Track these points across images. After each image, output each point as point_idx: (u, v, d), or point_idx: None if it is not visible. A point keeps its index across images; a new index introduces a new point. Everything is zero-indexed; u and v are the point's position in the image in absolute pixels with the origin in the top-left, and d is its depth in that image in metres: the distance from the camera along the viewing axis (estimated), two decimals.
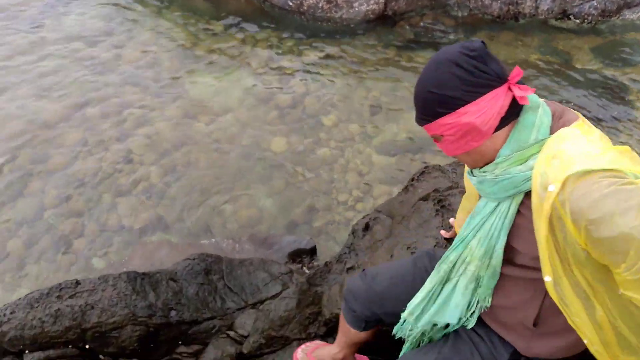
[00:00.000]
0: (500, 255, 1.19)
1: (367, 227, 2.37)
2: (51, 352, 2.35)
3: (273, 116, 4.92)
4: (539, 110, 1.10)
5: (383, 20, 6.26)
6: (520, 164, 1.07)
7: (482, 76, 1.04)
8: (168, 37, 5.88)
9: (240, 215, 4.07)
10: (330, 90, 5.25)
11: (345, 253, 2.38)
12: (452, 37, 5.99)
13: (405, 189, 2.35)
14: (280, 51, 5.77)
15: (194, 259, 2.75)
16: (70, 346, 2.37)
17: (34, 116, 4.75)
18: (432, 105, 1.09)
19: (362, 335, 1.81)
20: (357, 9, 6.15)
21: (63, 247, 3.74)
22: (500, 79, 1.06)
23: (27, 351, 2.36)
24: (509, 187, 1.09)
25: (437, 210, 2.03)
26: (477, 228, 1.21)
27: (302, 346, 2.24)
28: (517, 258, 1.19)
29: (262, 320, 2.34)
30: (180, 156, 4.48)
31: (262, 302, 2.65)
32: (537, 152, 1.05)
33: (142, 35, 5.89)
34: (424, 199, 2.14)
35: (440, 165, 2.36)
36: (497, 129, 1.08)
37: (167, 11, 6.31)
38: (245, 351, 2.36)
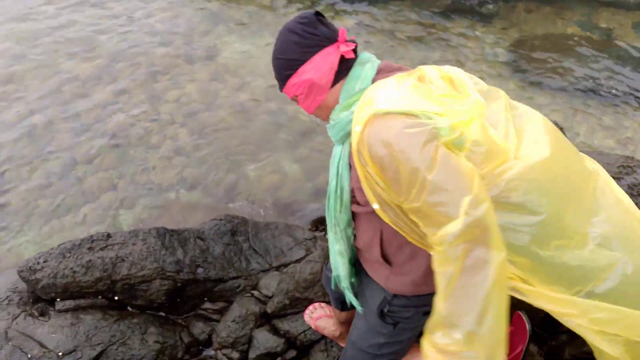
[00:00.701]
0: (348, 192, 1.33)
1: None
2: (82, 302, 2.42)
3: None
4: (366, 65, 1.25)
5: None
6: (346, 110, 1.23)
7: (312, 38, 1.22)
8: None
9: (265, 179, 4.08)
10: None
11: None
12: (490, 7, 5.80)
13: None
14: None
15: (220, 220, 2.78)
16: (100, 297, 2.44)
17: (65, 71, 4.79)
18: (280, 69, 1.28)
19: (344, 314, 1.96)
20: None
21: (92, 202, 3.81)
22: (329, 40, 1.23)
23: (58, 299, 2.44)
24: (339, 130, 1.27)
25: None
26: (334, 172, 1.34)
27: (311, 307, 2.29)
28: (355, 195, 1.33)
29: (287, 282, 2.37)
30: (209, 118, 4.49)
31: (286, 265, 2.68)
32: (358, 99, 1.20)
33: None
34: None
35: None
36: (335, 83, 1.25)
37: None
38: (269, 310, 2.40)
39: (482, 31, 5.47)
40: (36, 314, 2.41)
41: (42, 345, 2.27)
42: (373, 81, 1.23)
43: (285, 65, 1.26)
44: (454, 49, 5.25)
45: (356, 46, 1.25)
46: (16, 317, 2.37)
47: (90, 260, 2.37)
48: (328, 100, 1.28)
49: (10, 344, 2.26)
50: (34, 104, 4.48)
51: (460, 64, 5.08)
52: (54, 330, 2.32)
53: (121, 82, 4.74)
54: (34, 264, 2.38)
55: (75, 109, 4.44)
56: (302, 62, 1.24)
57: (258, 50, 5.17)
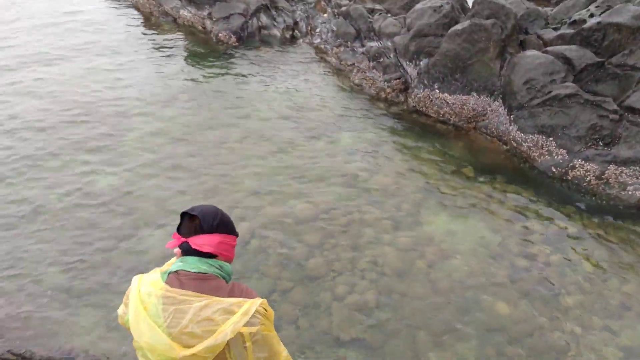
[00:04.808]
0: None
1: None
2: None
3: (504, 276, 4.62)
4: (174, 263, 1.82)
5: None
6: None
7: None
8: (419, 171, 6.22)
9: None
10: (577, 268, 4.73)
11: None
12: None
13: None
14: (528, 212, 5.52)
15: None
16: None
17: (289, 206, 5.40)
18: None
19: None
20: (630, 192, 5.59)
21: None
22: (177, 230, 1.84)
23: None
24: None
25: None
26: None
27: None
28: None
29: None
30: (398, 284, 4.49)
31: None
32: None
33: (398, 164, 6.36)
34: None
35: None
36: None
37: (425, 149, 6.74)
38: None
39: None
40: None
41: None
42: (170, 274, 1.77)
43: None
44: None
45: (186, 243, 1.78)
46: None
47: None
48: None
49: None
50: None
51: None
52: None
53: (329, 227, 5.14)
54: None
55: (286, 241, 4.91)
56: None
57: (462, 231, 5.16)
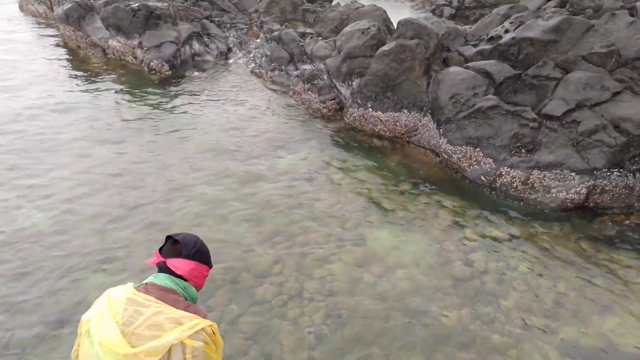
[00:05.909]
0: None
1: None
2: None
3: (446, 284, 4.80)
4: (147, 278, 2.03)
5: (582, 211, 5.95)
6: None
7: None
8: (360, 188, 6.37)
9: None
10: (513, 271, 4.99)
11: None
12: None
13: None
14: (464, 221, 5.78)
15: None
16: None
17: (233, 233, 5.38)
18: None
19: None
20: (554, 195, 5.98)
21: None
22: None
23: None
24: None
25: None
26: None
27: None
28: None
29: None
30: (347, 301, 4.56)
31: None
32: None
33: (339, 182, 6.50)
34: None
35: None
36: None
37: (364, 166, 6.93)
38: None
39: None
40: None
41: None
42: (141, 285, 1.95)
43: None
44: (618, 281, 4.84)
45: (164, 262, 2.01)
46: None
47: None
48: None
49: None
50: None
51: (624, 298, 4.62)
52: None
53: (276, 251, 5.16)
54: None
55: (233, 269, 4.88)
56: None
57: (404, 245, 5.33)
